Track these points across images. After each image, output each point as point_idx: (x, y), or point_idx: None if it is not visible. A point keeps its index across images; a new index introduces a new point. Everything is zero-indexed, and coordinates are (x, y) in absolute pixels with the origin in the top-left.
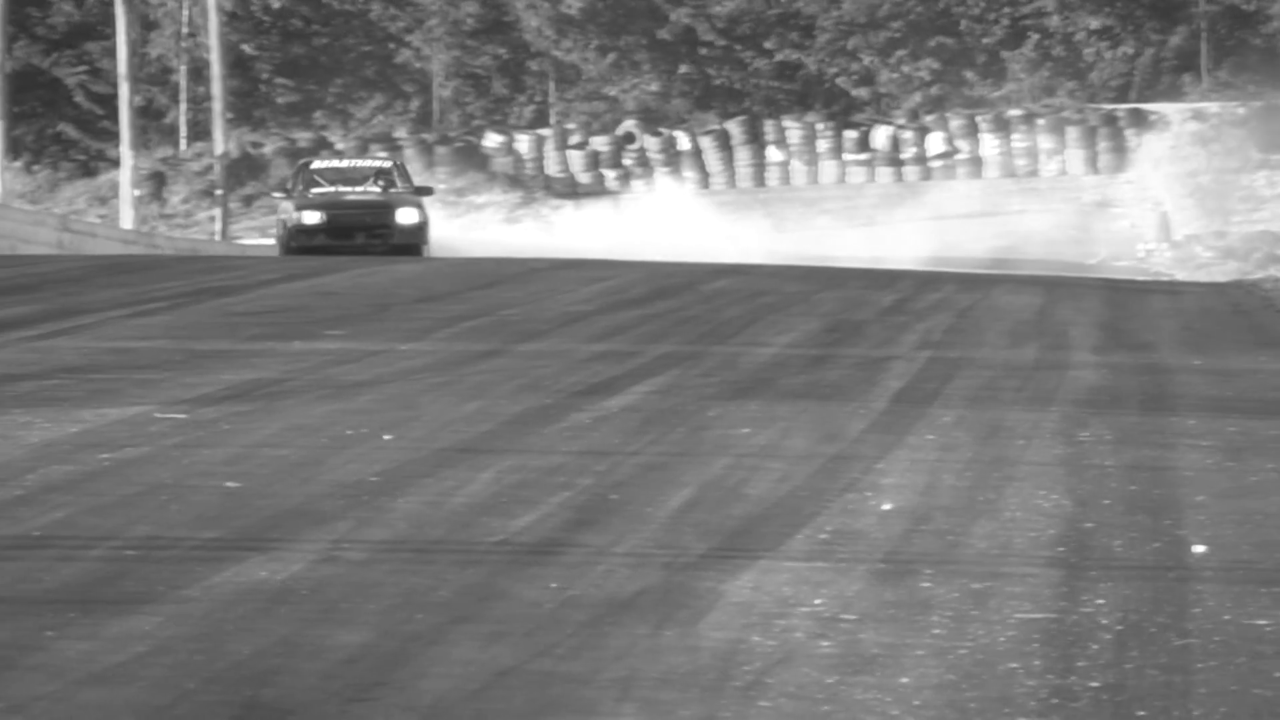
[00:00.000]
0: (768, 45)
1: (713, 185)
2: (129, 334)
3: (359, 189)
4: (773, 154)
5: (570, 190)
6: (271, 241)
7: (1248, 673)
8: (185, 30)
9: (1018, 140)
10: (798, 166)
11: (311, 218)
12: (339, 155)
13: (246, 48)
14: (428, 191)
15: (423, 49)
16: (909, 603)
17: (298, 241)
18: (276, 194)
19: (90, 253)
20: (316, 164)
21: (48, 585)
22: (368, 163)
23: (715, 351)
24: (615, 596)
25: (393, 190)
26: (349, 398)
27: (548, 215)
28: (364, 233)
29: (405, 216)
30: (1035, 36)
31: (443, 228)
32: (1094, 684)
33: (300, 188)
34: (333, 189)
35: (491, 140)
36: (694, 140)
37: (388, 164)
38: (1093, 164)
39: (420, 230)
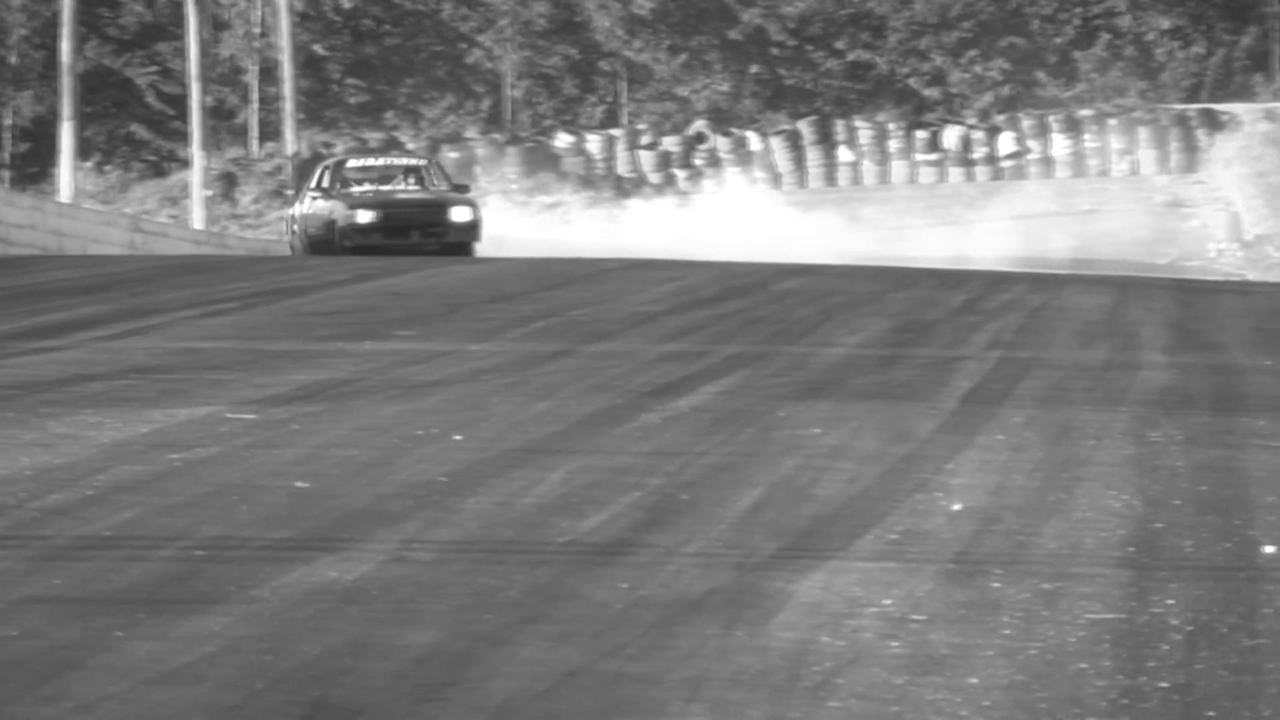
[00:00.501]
0: (839, 45)
1: (784, 185)
2: (199, 334)
3: (403, 186)
4: (843, 154)
5: (640, 190)
6: (281, 239)
7: None
8: (256, 30)
9: (1089, 140)
10: (868, 166)
11: (365, 216)
12: (371, 154)
13: (317, 48)
14: (465, 189)
15: (494, 49)
16: (979, 603)
17: (351, 241)
18: (313, 193)
19: (161, 253)
20: (352, 162)
21: (117, 585)
22: (402, 161)
23: (785, 351)
24: (685, 597)
25: (432, 188)
26: (419, 398)
27: (618, 215)
28: (419, 231)
29: (459, 214)
30: (1106, 36)
31: (512, 228)
32: (1164, 684)
33: (337, 186)
34: (373, 187)
35: (562, 140)
36: (765, 140)
37: (422, 162)
38: (1164, 164)
39: (474, 228)
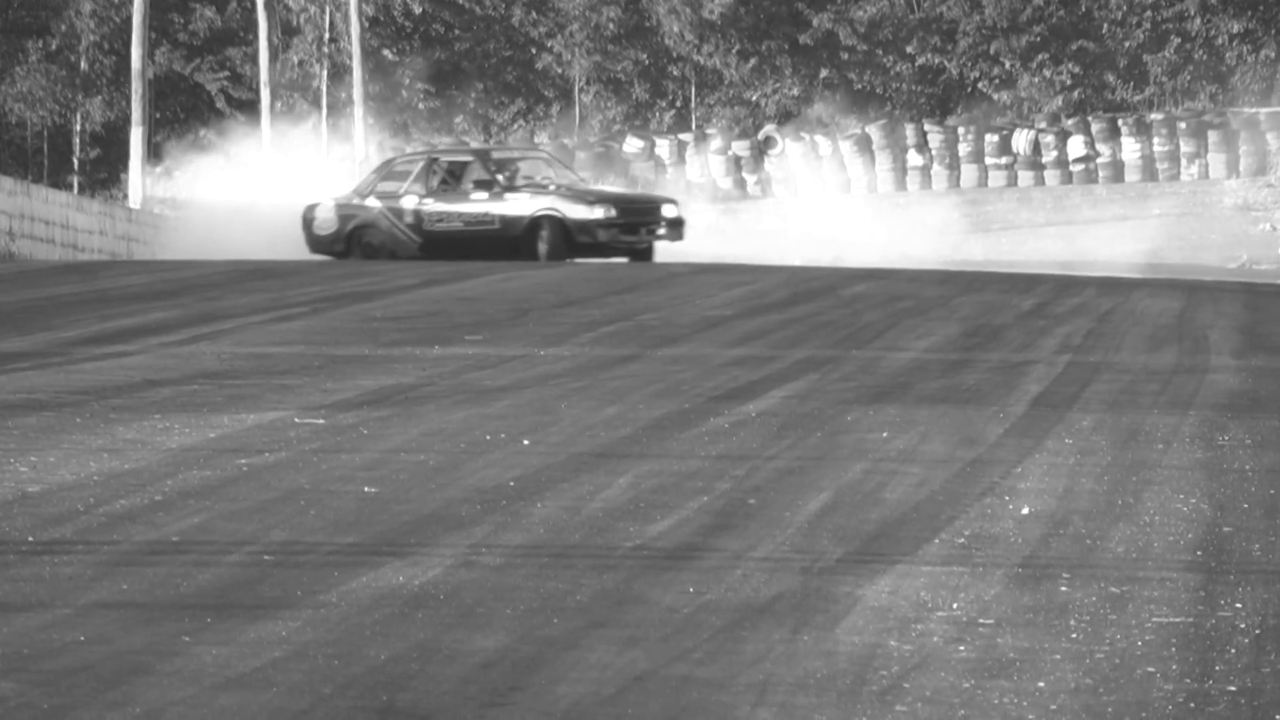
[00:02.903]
0: (909, 49)
1: (853, 189)
2: (268, 339)
3: (550, 181)
4: (913, 158)
5: (710, 194)
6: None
7: None
8: (326, 36)
9: (1158, 144)
10: (939, 171)
11: (602, 211)
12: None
13: (387, 53)
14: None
15: (564, 54)
16: (1046, 607)
17: (594, 237)
18: (460, 183)
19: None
20: (496, 154)
21: (185, 590)
22: (531, 155)
23: (854, 356)
24: (752, 601)
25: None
26: (487, 403)
27: (687, 220)
28: (645, 228)
29: (669, 210)
30: (1177, 40)
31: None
32: (1231, 688)
33: (505, 179)
34: (536, 180)
35: (632, 145)
36: (835, 144)
37: (544, 156)
38: (1234, 167)
39: (680, 225)
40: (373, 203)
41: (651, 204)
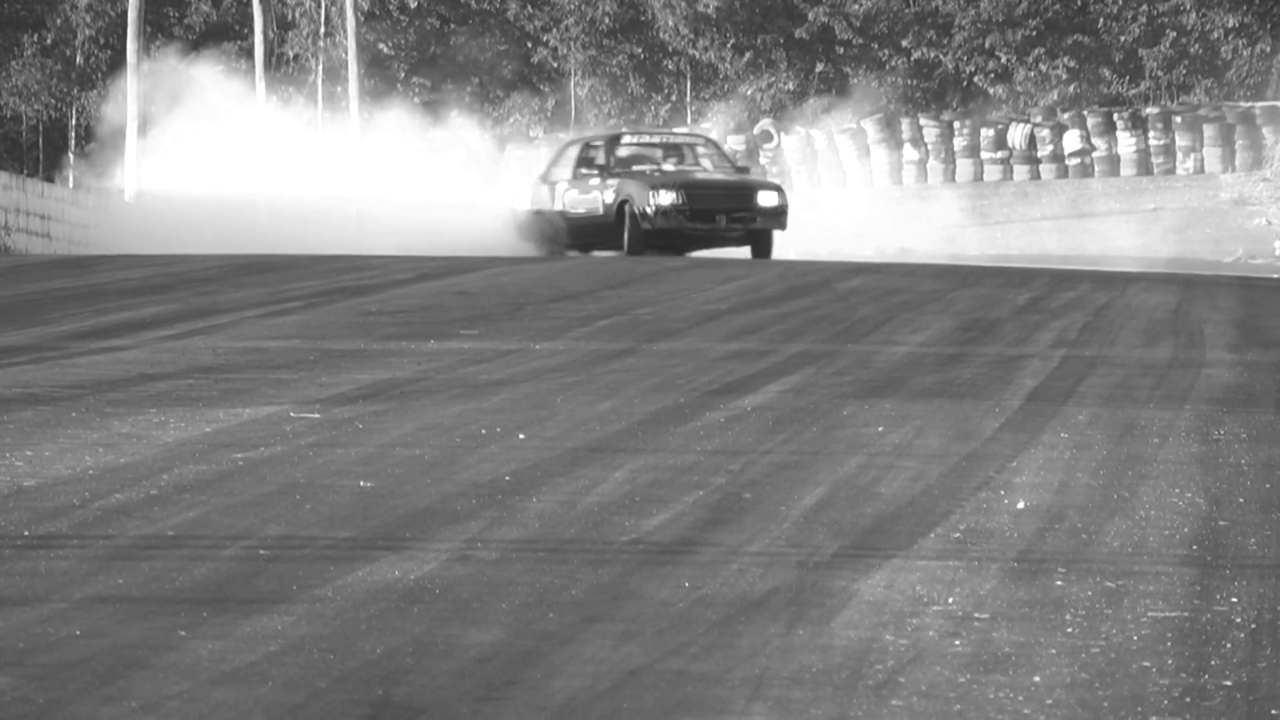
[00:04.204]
0: (905, 43)
1: (849, 183)
2: (264, 333)
3: (690, 166)
4: (909, 152)
5: None
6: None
7: None
8: (322, 30)
9: (1154, 138)
10: (934, 165)
11: (667, 197)
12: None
13: (383, 46)
14: (746, 172)
15: (559, 48)
16: (1042, 601)
17: (654, 224)
18: (586, 172)
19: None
20: (628, 139)
21: (180, 584)
22: (682, 137)
23: (849, 350)
24: (747, 595)
25: (721, 168)
26: (483, 397)
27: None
28: (725, 215)
29: (766, 199)
30: (1172, 34)
31: None
32: (1227, 683)
33: (614, 165)
34: (658, 166)
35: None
36: (830, 139)
37: (699, 139)
38: (1229, 161)
39: (781, 214)
40: (542, 190)
41: (739, 190)
